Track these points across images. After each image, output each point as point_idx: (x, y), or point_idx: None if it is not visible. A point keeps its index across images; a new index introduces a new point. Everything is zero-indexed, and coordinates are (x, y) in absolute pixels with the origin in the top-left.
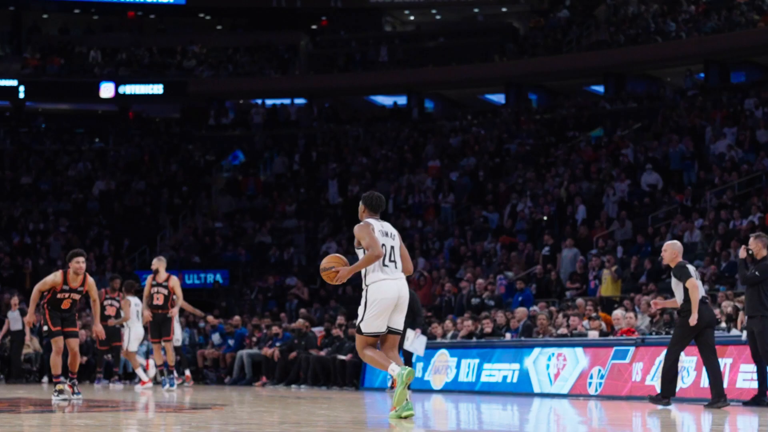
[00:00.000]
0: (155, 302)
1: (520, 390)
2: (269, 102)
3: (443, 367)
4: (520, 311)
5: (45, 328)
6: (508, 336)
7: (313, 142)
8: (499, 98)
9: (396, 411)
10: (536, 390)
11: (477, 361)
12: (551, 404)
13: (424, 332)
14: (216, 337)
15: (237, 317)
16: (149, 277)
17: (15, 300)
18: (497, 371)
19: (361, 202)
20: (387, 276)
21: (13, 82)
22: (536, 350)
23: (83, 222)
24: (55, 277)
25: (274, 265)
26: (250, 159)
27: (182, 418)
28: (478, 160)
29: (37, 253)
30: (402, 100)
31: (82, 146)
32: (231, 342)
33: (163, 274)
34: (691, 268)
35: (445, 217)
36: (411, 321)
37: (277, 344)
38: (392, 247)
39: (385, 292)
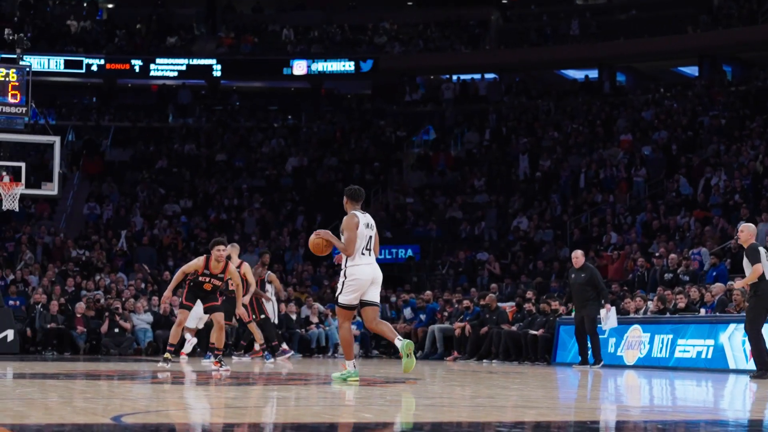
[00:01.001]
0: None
1: (715, 366)
2: (460, 77)
3: (636, 342)
4: (718, 287)
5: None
6: (702, 312)
7: (504, 117)
8: (692, 70)
9: (341, 374)
10: (731, 366)
11: (670, 336)
12: (747, 381)
13: (614, 305)
14: (408, 312)
15: (428, 292)
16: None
17: None
18: (691, 347)
19: (345, 195)
20: (363, 262)
21: (209, 61)
22: (731, 326)
23: (276, 198)
24: (198, 262)
25: (465, 240)
26: (441, 134)
27: (376, 392)
28: (670, 133)
29: (232, 228)
30: (593, 74)
31: (276, 123)
32: (422, 317)
33: (236, 261)
34: (762, 251)
35: (637, 191)
36: (595, 298)
37: (468, 319)
38: (370, 237)
39: (362, 274)
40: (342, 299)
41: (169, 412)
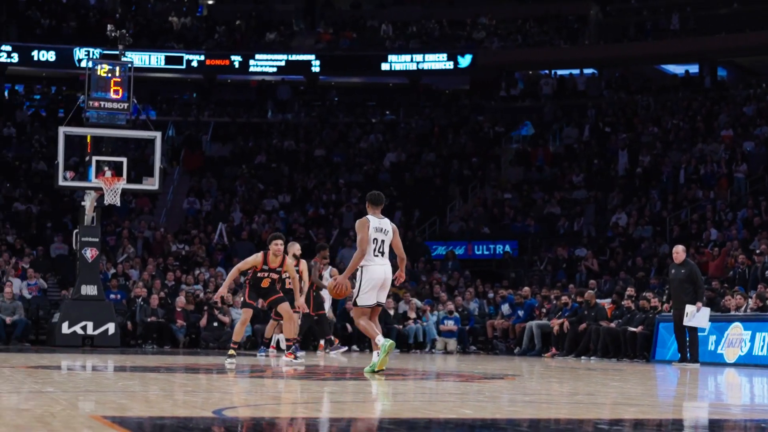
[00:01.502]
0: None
1: None
2: (558, 72)
3: (737, 340)
4: None
5: (241, 299)
6: None
7: (603, 113)
8: None
9: (370, 367)
10: None
11: None
12: None
13: (710, 305)
14: (506, 308)
15: (526, 288)
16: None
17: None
18: None
19: (366, 198)
20: (377, 263)
21: (308, 57)
22: None
23: None
24: (255, 258)
25: (564, 236)
26: (540, 130)
27: (475, 387)
28: None
29: (330, 223)
30: (694, 69)
31: (374, 119)
32: (520, 313)
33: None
34: None
35: (738, 187)
36: (693, 294)
37: (566, 315)
38: (383, 241)
39: (374, 274)
40: (360, 301)
41: (269, 406)
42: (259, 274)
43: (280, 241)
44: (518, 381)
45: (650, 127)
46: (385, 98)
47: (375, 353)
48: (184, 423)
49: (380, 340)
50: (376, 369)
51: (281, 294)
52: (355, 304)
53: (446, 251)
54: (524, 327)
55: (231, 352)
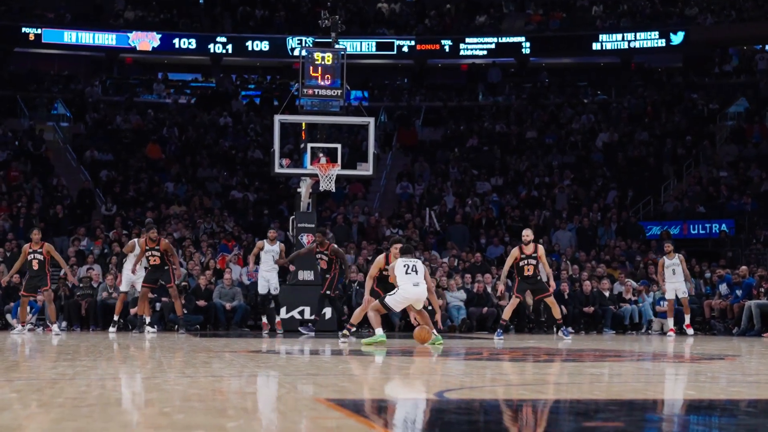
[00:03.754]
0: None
1: None
2: None
3: None
4: None
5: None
6: None
7: None
8: None
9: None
10: None
11: None
12: None
13: None
14: (723, 288)
15: (744, 267)
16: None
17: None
18: None
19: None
20: (410, 282)
21: (518, 39)
22: None
23: (587, 174)
24: (379, 262)
25: None
26: (755, 106)
27: (696, 368)
28: None
29: (543, 205)
30: None
31: (585, 99)
32: (738, 292)
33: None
34: None
35: None
36: None
37: None
38: (414, 265)
39: (409, 293)
40: (389, 300)
41: (489, 388)
42: (384, 273)
43: (398, 245)
44: (738, 361)
45: None
46: (596, 78)
47: (378, 330)
48: (411, 404)
49: (379, 331)
50: (365, 343)
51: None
52: (383, 300)
53: (661, 231)
54: (742, 306)
55: (345, 332)
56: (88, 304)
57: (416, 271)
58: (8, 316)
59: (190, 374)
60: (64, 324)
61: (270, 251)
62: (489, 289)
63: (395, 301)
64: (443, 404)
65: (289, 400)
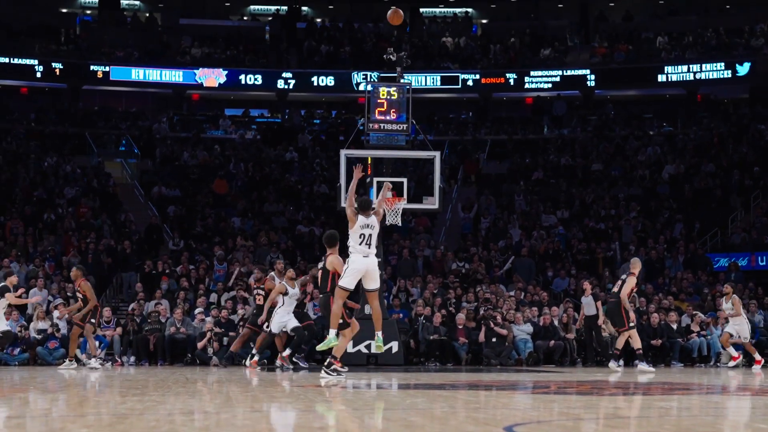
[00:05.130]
0: None
1: None
2: None
3: None
4: None
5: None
6: None
7: None
8: None
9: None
10: None
11: None
12: None
13: None
14: None
15: None
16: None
17: (587, 285)
18: None
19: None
20: (361, 253)
21: (583, 72)
22: None
23: (653, 206)
24: None
25: None
26: None
27: (763, 402)
28: None
29: (609, 237)
30: None
31: (651, 131)
32: None
33: None
34: None
35: None
36: None
37: None
38: (369, 235)
39: (358, 263)
40: (342, 282)
41: (558, 422)
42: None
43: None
44: None
45: None
46: (662, 110)
47: (332, 332)
48: None
49: (332, 334)
50: (319, 348)
51: None
52: (338, 284)
53: (729, 263)
54: None
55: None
56: (156, 339)
57: (369, 244)
58: (78, 351)
59: (258, 408)
60: (132, 359)
61: (294, 295)
62: (555, 322)
63: (347, 280)
64: None
65: None
